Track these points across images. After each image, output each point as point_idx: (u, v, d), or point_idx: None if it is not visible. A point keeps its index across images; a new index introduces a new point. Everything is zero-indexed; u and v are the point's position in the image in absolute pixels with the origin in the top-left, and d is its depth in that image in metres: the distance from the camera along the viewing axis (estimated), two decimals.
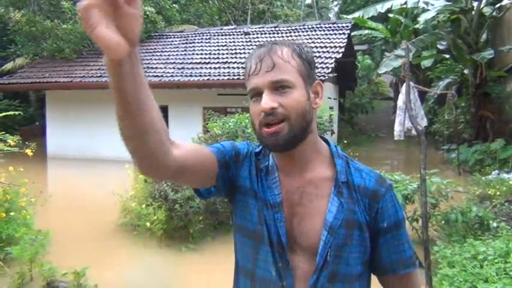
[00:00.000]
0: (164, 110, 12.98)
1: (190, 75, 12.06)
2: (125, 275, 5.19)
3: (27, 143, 5.79)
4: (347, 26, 13.44)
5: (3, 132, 5.33)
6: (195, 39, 14.54)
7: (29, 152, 5.28)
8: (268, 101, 1.07)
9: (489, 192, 6.84)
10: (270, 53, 1.11)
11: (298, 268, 1.14)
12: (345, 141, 11.71)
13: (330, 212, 1.13)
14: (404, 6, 12.10)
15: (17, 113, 6.36)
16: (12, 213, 4.97)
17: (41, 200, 5.56)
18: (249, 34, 14.05)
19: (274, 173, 1.20)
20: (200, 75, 11.93)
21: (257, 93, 1.11)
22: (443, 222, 5.20)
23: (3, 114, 5.44)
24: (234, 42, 13.82)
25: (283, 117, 1.08)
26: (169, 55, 13.61)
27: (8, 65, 16.93)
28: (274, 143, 1.10)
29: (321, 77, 10.60)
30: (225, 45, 13.59)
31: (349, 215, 1.13)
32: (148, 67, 13.00)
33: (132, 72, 0.81)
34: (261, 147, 1.27)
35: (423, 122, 7.40)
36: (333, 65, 11.27)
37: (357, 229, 1.13)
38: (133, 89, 0.83)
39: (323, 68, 11.05)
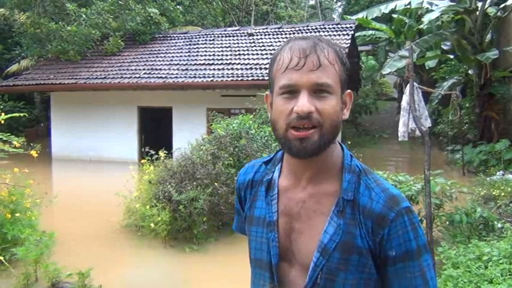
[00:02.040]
0: (168, 111, 13.03)
1: (194, 77, 12.08)
2: (129, 275, 5.21)
3: (32, 144, 5.83)
4: (351, 27, 13.42)
5: (9, 134, 5.36)
6: (198, 40, 14.57)
7: (33, 153, 5.31)
8: (307, 103, 0.98)
9: (494, 193, 6.82)
10: (316, 49, 1.02)
11: (294, 284, 1.09)
12: (349, 142, 11.69)
13: (326, 233, 1.04)
14: (408, 6, 12.06)
15: (22, 114, 6.38)
16: (17, 214, 5.00)
17: (46, 201, 5.59)
18: (253, 35, 14.05)
19: (274, 189, 1.15)
20: (204, 77, 11.95)
21: (292, 91, 1.02)
22: (447, 223, 5.18)
23: (9, 115, 5.46)
24: (237, 43, 13.83)
25: (317, 124, 1.00)
26: (173, 56, 13.64)
27: (13, 67, 17.02)
28: (300, 148, 1.02)
29: None
30: (229, 47, 13.61)
31: (347, 238, 1.03)
32: (152, 68, 13.03)
33: None
34: (271, 156, 1.24)
35: (427, 123, 7.38)
36: None
37: (356, 254, 1.02)
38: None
39: None
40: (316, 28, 13.88)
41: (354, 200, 1.04)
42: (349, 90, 1.11)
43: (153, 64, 13.35)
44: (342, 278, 1.02)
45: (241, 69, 11.95)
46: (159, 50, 14.32)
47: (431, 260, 1.05)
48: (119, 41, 14.29)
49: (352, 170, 1.08)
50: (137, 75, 12.72)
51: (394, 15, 16.22)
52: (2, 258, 4.49)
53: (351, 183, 1.06)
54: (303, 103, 0.99)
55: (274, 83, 1.07)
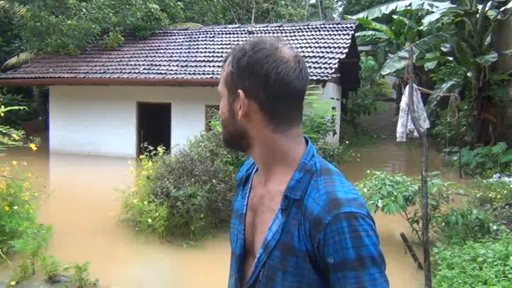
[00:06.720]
0: (167, 107, 13.03)
1: (194, 73, 12.09)
2: (125, 270, 5.23)
3: (30, 137, 5.83)
4: (351, 27, 13.44)
5: (8, 127, 5.36)
6: (199, 37, 14.57)
7: (33, 146, 5.31)
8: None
9: (490, 195, 6.86)
10: (228, 56, 1.18)
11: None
12: (347, 142, 11.71)
13: (270, 230, 1.03)
14: (409, 8, 12.12)
15: (21, 107, 6.37)
16: (15, 207, 5.01)
17: (44, 195, 5.59)
18: (253, 33, 14.06)
19: (249, 183, 1.19)
20: (203, 73, 11.96)
21: None
22: (443, 224, 5.22)
23: (8, 108, 5.46)
24: (238, 40, 13.83)
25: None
26: (173, 53, 13.64)
27: (12, 60, 17.00)
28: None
29: (324, 77, 10.61)
30: (229, 44, 13.61)
31: (286, 237, 1.00)
32: (151, 64, 13.03)
33: None
34: None
35: (425, 124, 7.41)
36: (336, 66, 11.29)
37: (293, 255, 0.98)
38: None
39: (326, 69, 11.06)
40: (317, 27, 13.90)
41: (300, 200, 1.00)
42: (238, 90, 1.08)
43: (152, 60, 13.34)
44: (280, 277, 1.00)
45: None
46: (159, 45, 14.32)
47: (380, 275, 0.94)
48: (119, 36, 14.28)
49: (305, 169, 1.04)
50: (136, 71, 12.71)
51: (395, 16, 16.27)
52: None
53: (301, 182, 1.02)
54: None
55: None
